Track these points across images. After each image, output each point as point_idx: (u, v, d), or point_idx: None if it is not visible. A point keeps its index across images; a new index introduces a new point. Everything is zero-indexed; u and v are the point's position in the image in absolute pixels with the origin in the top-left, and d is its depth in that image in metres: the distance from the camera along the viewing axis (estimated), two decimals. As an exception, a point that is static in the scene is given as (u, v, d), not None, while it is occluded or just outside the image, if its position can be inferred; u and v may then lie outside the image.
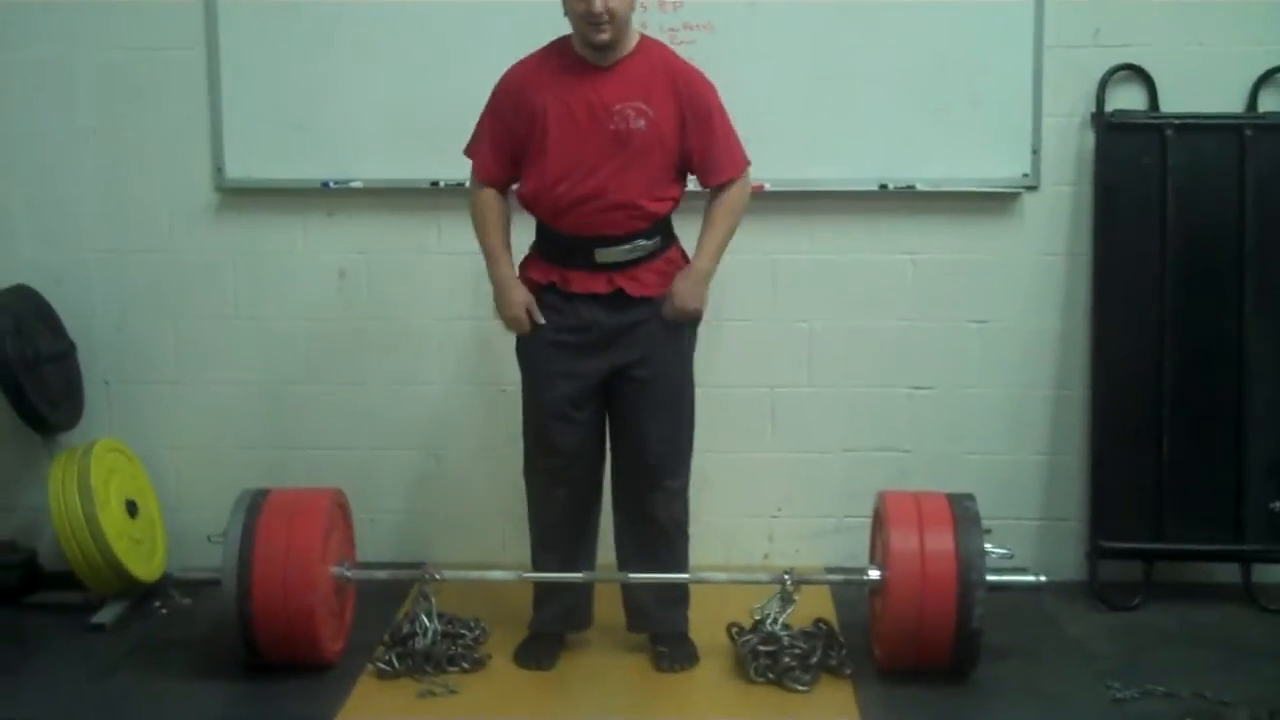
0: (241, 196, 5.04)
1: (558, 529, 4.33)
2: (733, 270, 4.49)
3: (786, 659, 4.17)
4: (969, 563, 4.05)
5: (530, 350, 4.23)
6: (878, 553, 4.34)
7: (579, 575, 4.31)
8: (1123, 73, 4.84)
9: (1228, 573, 4.88)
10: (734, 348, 4.94)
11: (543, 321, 4.17)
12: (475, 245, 4.26)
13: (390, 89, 4.92)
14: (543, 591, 4.40)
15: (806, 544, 5.10)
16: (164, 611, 4.65)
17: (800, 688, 4.12)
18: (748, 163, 4.19)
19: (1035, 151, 4.88)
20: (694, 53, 4.58)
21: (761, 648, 4.21)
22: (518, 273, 4.25)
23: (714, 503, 4.78)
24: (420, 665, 4.23)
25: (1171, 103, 4.84)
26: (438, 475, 5.16)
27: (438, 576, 4.33)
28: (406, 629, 4.32)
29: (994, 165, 4.91)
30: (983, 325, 5.00)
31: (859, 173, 4.91)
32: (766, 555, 5.12)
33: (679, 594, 4.37)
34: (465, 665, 4.26)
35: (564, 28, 4.08)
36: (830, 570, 4.88)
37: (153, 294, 5.10)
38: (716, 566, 4.71)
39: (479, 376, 5.04)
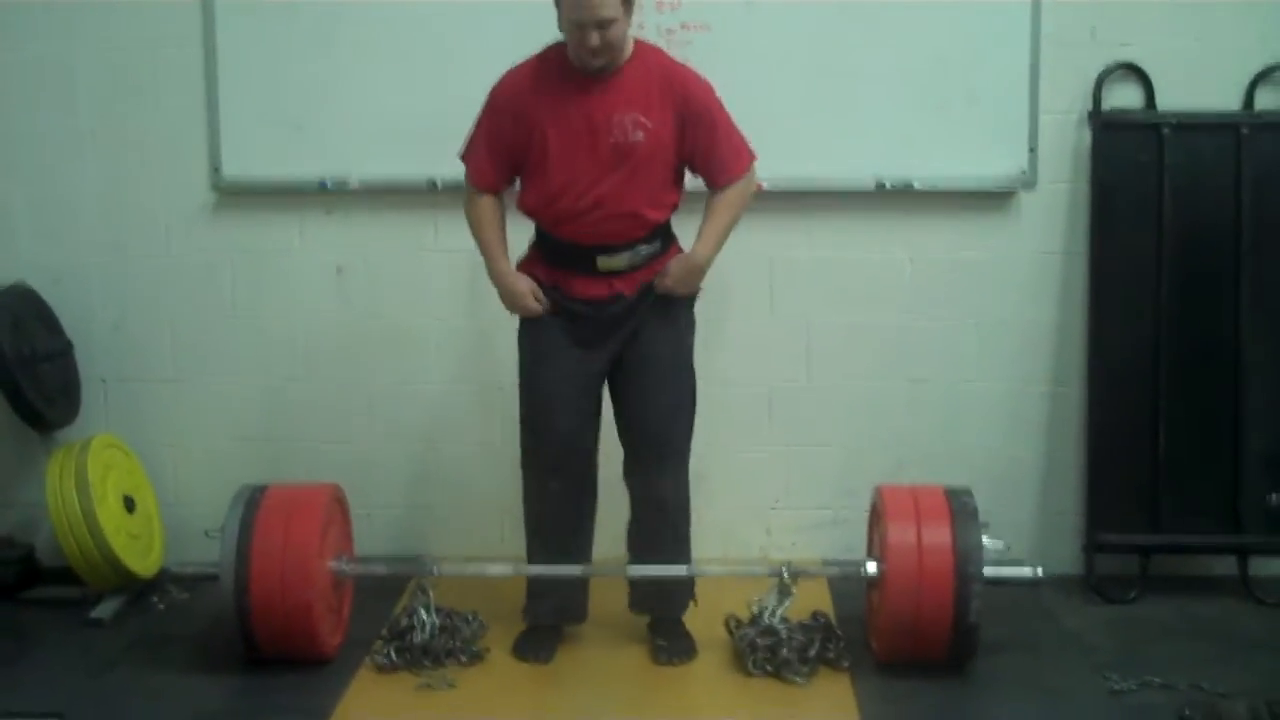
0: (239, 196, 5.04)
1: (551, 522, 4.33)
2: (731, 268, 4.52)
3: (784, 652, 4.17)
4: (966, 556, 4.06)
5: (531, 336, 4.25)
6: (875, 546, 4.35)
7: (576, 569, 4.31)
8: (1119, 71, 4.86)
9: (1225, 565, 4.89)
10: (733, 345, 4.94)
11: (547, 303, 4.18)
12: (472, 243, 4.28)
13: (388, 88, 4.92)
14: (537, 584, 4.40)
15: (804, 537, 5.10)
16: (161, 606, 4.69)
17: (798, 680, 4.12)
18: (753, 156, 4.20)
19: (1032, 149, 4.89)
20: (691, 53, 4.60)
21: (759, 640, 4.21)
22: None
23: (712, 496, 4.77)
24: (418, 659, 4.23)
25: (1168, 101, 4.85)
26: (435, 470, 5.16)
27: (435, 571, 4.35)
28: (404, 623, 4.32)
29: (991, 163, 4.91)
30: (979, 323, 5.01)
31: (856, 171, 4.92)
32: (764, 548, 5.12)
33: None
34: (463, 659, 4.27)
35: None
36: (828, 563, 4.86)
37: (150, 293, 5.10)
38: (714, 559, 4.69)
39: (476, 373, 5.04)
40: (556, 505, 4.31)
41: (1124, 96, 4.89)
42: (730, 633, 4.34)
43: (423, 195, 4.95)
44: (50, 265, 5.05)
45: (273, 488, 4.32)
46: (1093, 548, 4.87)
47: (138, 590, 4.80)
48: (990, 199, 4.95)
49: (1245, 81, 4.85)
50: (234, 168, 5.01)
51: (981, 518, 4.16)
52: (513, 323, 4.31)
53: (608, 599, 4.47)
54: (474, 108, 4.17)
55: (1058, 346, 5.01)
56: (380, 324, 5.09)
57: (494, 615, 4.50)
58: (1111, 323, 4.88)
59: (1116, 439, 4.87)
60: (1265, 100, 4.86)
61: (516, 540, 4.46)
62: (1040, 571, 4.29)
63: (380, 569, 4.53)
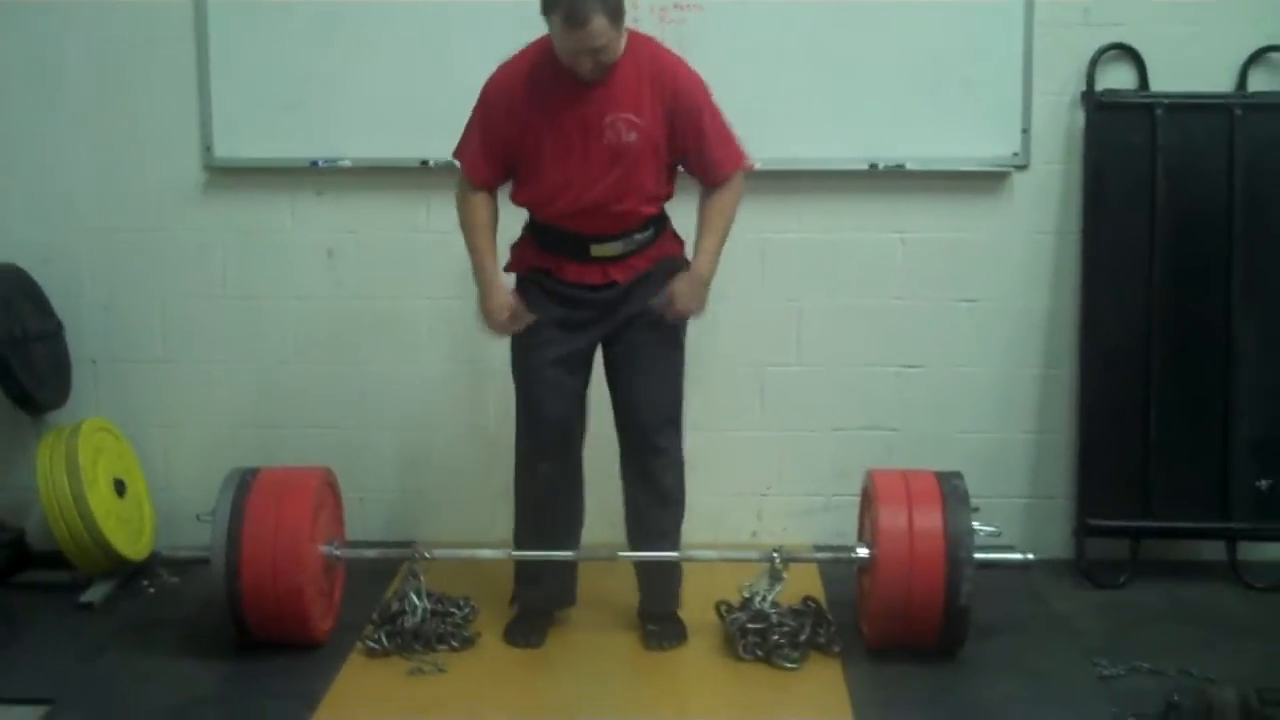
0: (230, 175, 5.02)
1: (541, 506, 4.33)
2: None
3: (775, 637, 4.17)
4: (957, 541, 4.06)
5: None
6: (866, 531, 4.35)
7: (567, 554, 4.32)
8: (1113, 52, 4.85)
9: (1214, 550, 4.89)
10: (723, 327, 4.90)
11: (530, 319, 4.19)
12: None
13: (380, 68, 4.91)
14: (526, 569, 4.40)
15: (795, 522, 5.11)
16: (152, 590, 4.68)
17: (789, 665, 4.13)
18: (745, 157, 4.17)
19: (1025, 130, 4.88)
20: (683, 33, 4.59)
21: (750, 625, 4.21)
22: (510, 255, 4.27)
23: (703, 481, 4.73)
24: (409, 644, 4.23)
25: (1161, 82, 4.84)
26: (427, 454, 5.16)
27: (427, 555, 4.34)
28: (396, 607, 4.32)
29: (984, 144, 4.91)
30: (972, 304, 5.01)
31: (849, 152, 4.91)
32: (755, 533, 5.13)
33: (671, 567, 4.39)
34: (454, 644, 4.27)
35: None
36: (819, 548, 4.89)
37: (141, 273, 5.09)
38: (705, 544, 4.69)
39: (468, 355, 5.03)
40: (547, 488, 4.30)
41: (1117, 78, 4.87)
42: (721, 618, 4.35)
43: (415, 175, 4.93)
44: (40, 244, 5.03)
45: (264, 471, 4.31)
46: (1083, 532, 4.88)
47: (128, 574, 4.80)
48: (983, 180, 4.95)
49: (1238, 63, 4.84)
50: (225, 147, 4.99)
51: (972, 502, 4.15)
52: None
53: (598, 583, 4.48)
54: (467, 89, 4.12)
55: (1050, 329, 5.01)
56: (372, 305, 5.09)
57: (485, 599, 4.50)
58: (1104, 305, 4.88)
59: (1107, 423, 4.88)
60: (1258, 81, 4.85)
61: (508, 525, 4.44)
62: (1031, 556, 4.31)
63: (371, 553, 4.54)
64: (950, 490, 4.17)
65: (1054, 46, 4.85)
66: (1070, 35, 4.85)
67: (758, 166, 4.62)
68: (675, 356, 4.29)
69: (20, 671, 4.21)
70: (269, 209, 5.05)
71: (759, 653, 4.17)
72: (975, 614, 4.09)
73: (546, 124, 4.01)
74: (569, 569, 4.41)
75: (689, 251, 4.24)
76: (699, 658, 4.24)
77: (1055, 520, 5.02)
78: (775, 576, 4.24)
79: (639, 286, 4.17)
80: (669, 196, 4.19)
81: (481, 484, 5.03)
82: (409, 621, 4.27)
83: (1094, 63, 4.84)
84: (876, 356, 5.04)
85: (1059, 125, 4.92)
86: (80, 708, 3.96)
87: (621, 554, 4.32)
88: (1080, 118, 4.88)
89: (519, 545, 4.37)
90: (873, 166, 4.91)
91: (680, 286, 4.16)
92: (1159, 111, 4.81)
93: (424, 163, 4.89)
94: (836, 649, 4.22)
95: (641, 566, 4.38)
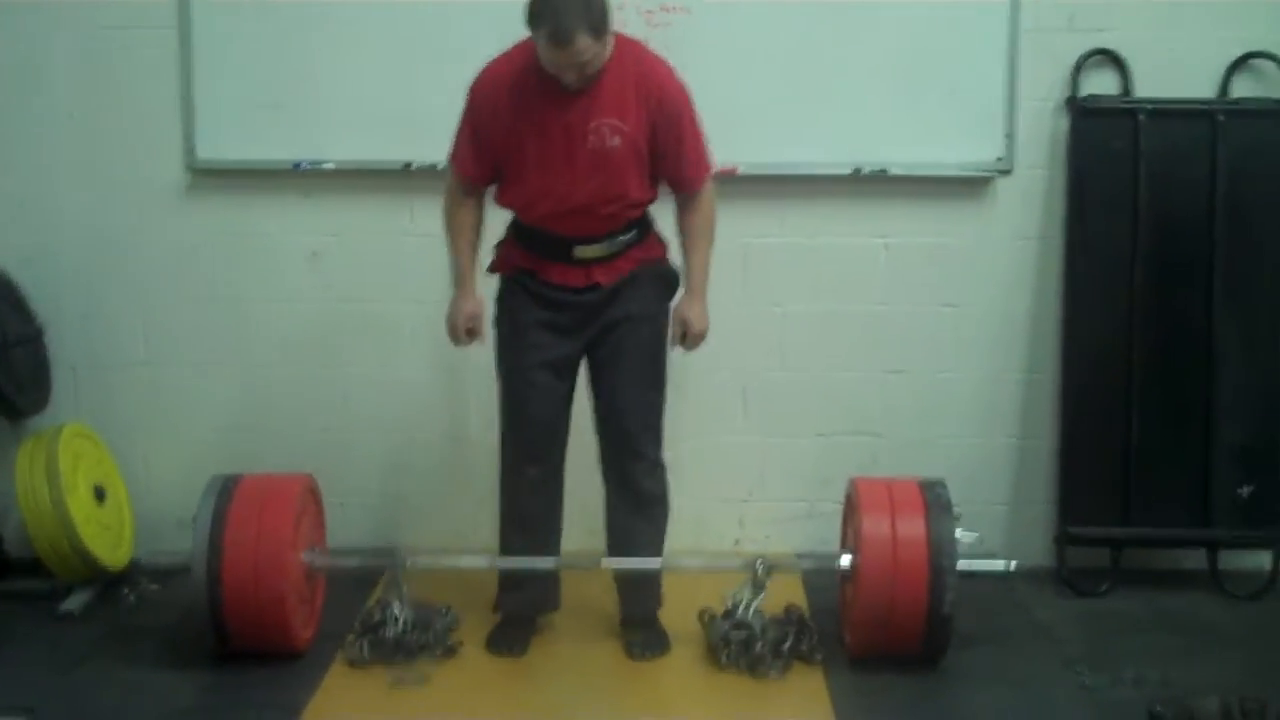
0: (213, 177, 4.99)
1: (528, 510, 4.32)
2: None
3: (758, 646, 4.17)
4: (940, 549, 4.07)
5: (508, 323, 4.23)
6: (849, 538, 4.35)
7: (551, 562, 4.31)
8: (1096, 58, 4.85)
9: (1195, 559, 4.91)
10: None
11: (481, 341, 4.25)
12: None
13: (364, 69, 4.88)
14: (510, 575, 4.39)
15: (777, 529, 5.11)
16: (132, 598, 4.64)
17: (772, 675, 4.13)
18: (712, 169, 4.17)
19: (1009, 136, 4.87)
20: (669, 36, 4.58)
21: (733, 634, 4.20)
22: (494, 255, 4.27)
23: (685, 487, 4.70)
24: (391, 653, 4.22)
25: (1145, 88, 4.84)
26: (409, 458, 5.15)
27: (409, 563, 4.33)
28: (377, 617, 4.30)
29: (967, 149, 4.90)
30: (955, 309, 5.01)
31: (832, 156, 4.90)
32: (737, 541, 5.13)
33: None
34: (437, 653, 4.25)
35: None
36: (801, 555, 4.89)
37: (122, 276, 5.05)
38: (687, 551, 4.70)
39: (452, 360, 4.95)
40: (533, 493, 4.30)
41: (1101, 83, 4.87)
42: (704, 626, 4.34)
43: (399, 178, 4.91)
44: (19, 246, 4.99)
45: (246, 478, 4.29)
46: (1064, 540, 4.88)
47: (108, 582, 4.76)
48: (967, 185, 4.94)
49: (1221, 69, 4.85)
50: (208, 148, 4.96)
51: (954, 508, 4.16)
52: (489, 308, 4.28)
53: (581, 591, 4.48)
54: (452, 91, 4.11)
55: (1032, 334, 5.01)
56: (356, 309, 5.07)
57: (467, 606, 4.49)
58: (1086, 310, 4.88)
59: (1089, 429, 4.89)
60: (1240, 88, 4.86)
61: (490, 530, 4.43)
62: (1013, 564, 4.31)
63: (353, 561, 4.52)
64: (933, 499, 4.17)
65: (1038, 52, 4.84)
66: (1054, 40, 4.84)
67: (741, 171, 4.64)
68: (658, 362, 4.28)
69: (-1, 681, 4.19)
70: (252, 211, 5.03)
71: (742, 662, 4.17)
72: (957, 622, 4.09)
73: (531, 128, 4.01)
74: (553, 574, 4.40)
75: (674, 256, 4.25)
76: (682, 667, 4.24)
77: (1036, 528, 5.03)
78: (758, 585, 4.23)
79: (623, 290, 4.17)
80: (653, 200, 4.19)
81: (464, 489, 5.02)
82: (391, 631, 4.25)
83: (1078, 68, 4.84)
84: (860, 362, 5.04)
85: (1043, 130, 4.92)
86: (60, 718, 3.93)
87: (605, 562, 4.31)
88: (1064, 123, 4.89)
89: (504, 549, 4.36)
90: (856, 171, 4.90)
91: (690, 313, 4.19)
92: (1142, 117, 4.82)
93: (408, 165, 4.88)
94: (819, 658, 4.22)
95: (621, 571, 4.37)
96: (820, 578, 4.57)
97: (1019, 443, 5.06)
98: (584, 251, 4.12)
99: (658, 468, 4.31)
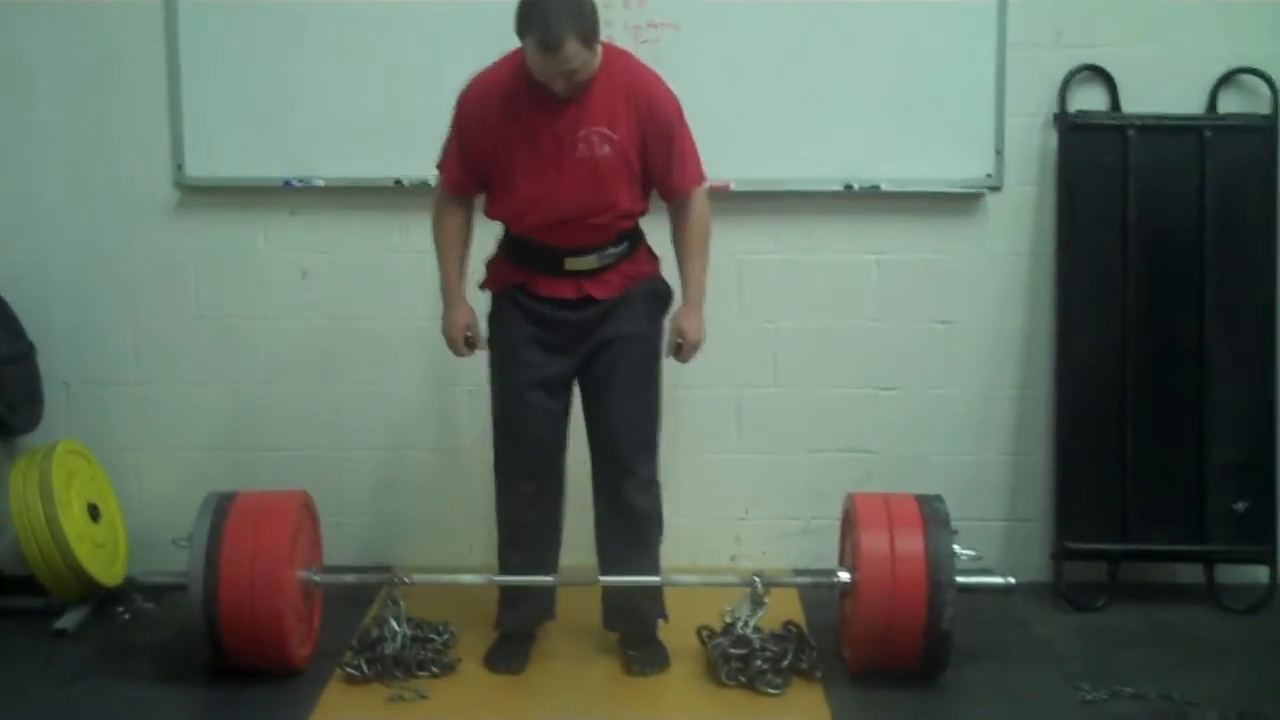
0: (202, 194, 4.98)
1: (525, 525, 4.30)
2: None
3: (758, 662, 4.16)
4: (939, 564, 4.06)
5: (501, 339, 4.23)
6: (847, 555, 4.34)
7: (549, 579, 4.30)
8: (1085, 73, 4.88)
9: (1191, 573, 4.91)
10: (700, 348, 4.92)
11: (482, 348, 4.24)
12: (441, 247, 4.25)
13: (354, 86, 4.88)
14: (510, 591, 4.37)
15: (773, 545, 5.11)
16: (127, 616, 4.57)
17: (772, 691, 4.12)
18: (704, 178, 4.18)
19: (998, 152, 4.90)
20: (658, 51, 4.59)
21: (733, 651, 4.20)
22: (485, 271, 4.27)
23: (681, 504, 4.72)
24: (389, 670, 4.20)
25: (1133, 103, 4.87)
26: (404, 477, 5.13)
27: (406, 580, 4.31)
28: (375, 634, 4.28)
29: (958, 166, 4.92)
30: (947, 325, 5.03)
31: (824, 173, 4.91)
32: (734, 557, 5.12)
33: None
34: (435, 670, 4.23)
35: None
36: (798, 572, 4.88)
37: (113, 293, 5.04)
38: (684, 568, 4.69)
39: (445, 377, 5.00)
40: (529, 508, 4.28)
41: (1089, 99, 4.90)
42: (703, 643, 4.33)
43: (389, 195, 4.91)
44: (10, 264, 4.97)
45: (241, 495, 4.27)
46: (1061, 555, 4.89)
47: (102, 600, 4.74)
48: (957, 201, 4.96)
49: (1209, 85, 4.88)
50: (197, 165, 4.95)
51: (951, 525, 4.16)
52: (481, 326, 4.28)
53: (580, 607, 4.45)
54: (441, 106, 4.12)
55: (1025, 350, 5.02)
56: (347, 326, 5.05)
57: (465, 623, 4.48)
58: (1078, 325, 4.90)
59: (1083, 445, 4.90)
60: (1228, 103, 4.89)
61: (487, 548, 4.43)
62: (1012, 580, 4.29)
63: (350, 578, 4.50)
64: (931, 514, 4.17)
65: (1026, 68, 4.87)
66: (1042, 57, 4.87)
67: (733, 187, 4.65)
68: (652, 380, 4.27)
69: (-7, 700, 4.16)
70: (242, 228, 5.01)
71: (741, 678, 4.15)
72: (956, 637, 4.09)
73: (520, 137, 4.01)
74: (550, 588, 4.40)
75: (667, 270, 4.25)
76: (681, 683, 4.23)
77: (1033, 543, 5.04)
78: (757, 601, 4.23)
79: (616, 308, 4.16)
80: (644, 212, 4.18)
81: (459, 507, 5.02)
82: (389, 648, 4.23)
83: (1066, 84, 4.86)
84: (853, 378, 5.05)
85: (1032, 146, 4.94)
86: (56, 737, 3.92)
87: (603, 579, 4.30)
88: (1053, 139, 4.91)
89: (502, 566, 4.34)
90: (848, 187, 4.91)
91: (687, 323, 4.19)
92: (1131, 133, 4.84)
93: (398, 182, 4.87)
94: (818, 674, 4.21)
95: (612, 587, 4.36)
96: (817, 593, 4.56)
97: (1013, 459, 5.07)
98: (574, 263, 4.11)
99: (651, 485, 4.30)
